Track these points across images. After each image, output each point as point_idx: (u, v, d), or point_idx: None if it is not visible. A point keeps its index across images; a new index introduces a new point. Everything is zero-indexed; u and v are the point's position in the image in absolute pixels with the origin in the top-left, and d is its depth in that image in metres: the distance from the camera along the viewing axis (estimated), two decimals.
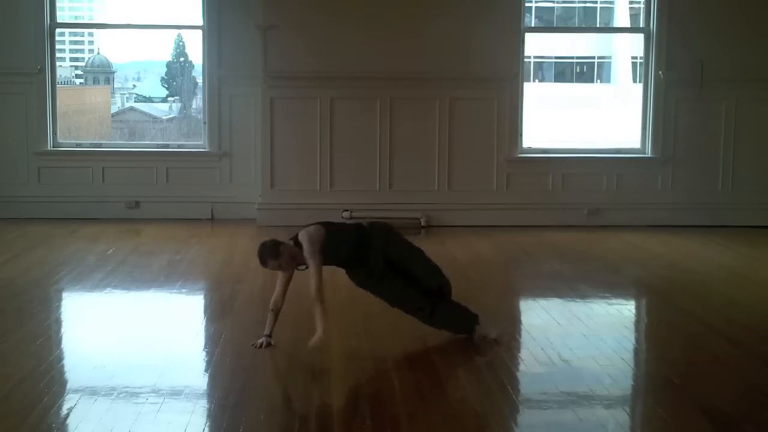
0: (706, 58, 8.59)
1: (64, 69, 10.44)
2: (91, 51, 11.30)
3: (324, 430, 3.74)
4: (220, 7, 8.70)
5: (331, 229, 4.67)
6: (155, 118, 11.34)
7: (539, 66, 12.41)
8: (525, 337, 4.80)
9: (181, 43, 10.69)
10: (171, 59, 10.93)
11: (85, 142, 9.31)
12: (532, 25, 9.94)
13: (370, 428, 3.64)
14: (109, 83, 11.19)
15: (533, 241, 7.95)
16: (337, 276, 4.65)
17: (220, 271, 6.76)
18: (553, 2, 11.21)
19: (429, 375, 4.37)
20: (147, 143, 9.85)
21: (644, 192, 8.84)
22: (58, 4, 8.92)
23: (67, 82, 10.80)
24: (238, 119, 8.86)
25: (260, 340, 4.65)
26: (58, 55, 9.12)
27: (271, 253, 4.56)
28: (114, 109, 11.37)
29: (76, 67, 11.22)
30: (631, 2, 10.65)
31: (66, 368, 4.46)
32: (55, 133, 8.93)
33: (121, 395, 3.98)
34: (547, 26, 10.98)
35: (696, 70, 8.58)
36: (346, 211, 8.41)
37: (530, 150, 8.88)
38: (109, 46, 11.52)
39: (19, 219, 8.57)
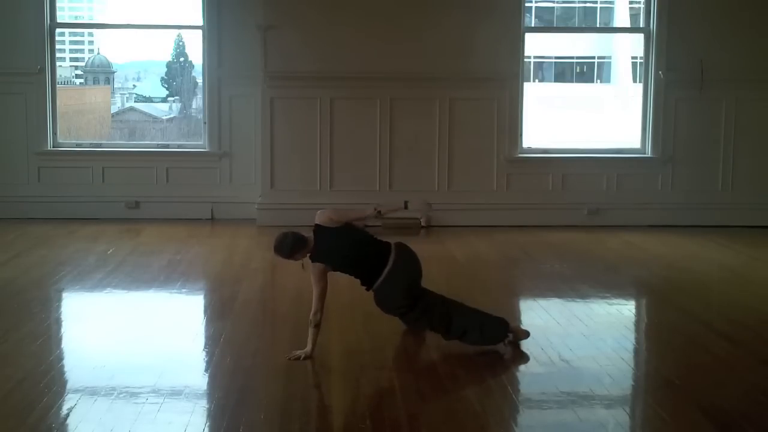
0: (706, 58, 8.59)
1: (64, 69, 10.42)
2: (91, 51, 11.29)
3: (324, 430, 3.75)
4: (220, 7, 8.70)
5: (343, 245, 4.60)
6: (155, 118, 11.32)
7: (539, 66, 12.38)
8: None
9: (181, 43, 10.68)
10: (171, 59, 10.92)
11: (85, 142, 9.31)
12: (532, 25, 9.92)
13: (370, 428, 3.64)
14: (109, 83, 11.18)
15: (533, 241, 7.95)
16: (338, 275, 4.64)
17: (220, 271, 6.76)
18: (553, 2, 11.18)
19: (429, 375, 4.37)
20: (147, 143, 9.83)
21: (644, 192, 8.84)
22: (58, 4, 8.92)
23: (67, 82, 10.79)
24: (238, 119, 8.86)
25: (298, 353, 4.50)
26: (58, 55, 9.11)
27: (287, 254, 4.57)
28: (114, 109, 11.35)
29: (76, 67, 11.21)
30: (631, 2, 10.64)
31: (66, 368, 4.46)
32: (55, 133, 8.93)
33: (121, 395, 3.98)
34: (547, 26, 10.96)
35: (696, 70, 8.58)
36: None
37: (530, 150, 8.88)
38: (109, 46, 11.51)
39: (19, 219, 8.56)
